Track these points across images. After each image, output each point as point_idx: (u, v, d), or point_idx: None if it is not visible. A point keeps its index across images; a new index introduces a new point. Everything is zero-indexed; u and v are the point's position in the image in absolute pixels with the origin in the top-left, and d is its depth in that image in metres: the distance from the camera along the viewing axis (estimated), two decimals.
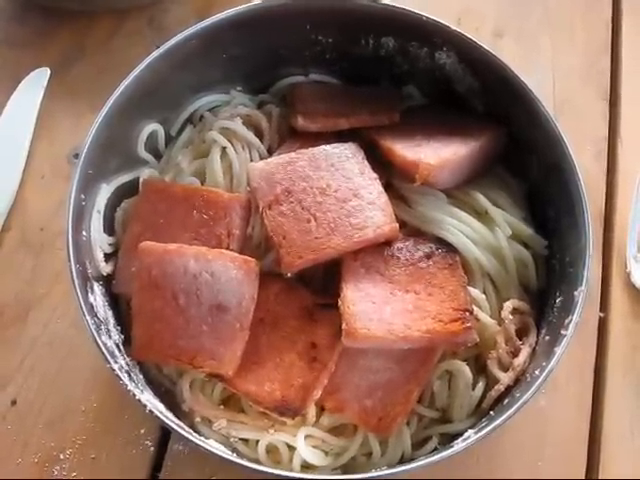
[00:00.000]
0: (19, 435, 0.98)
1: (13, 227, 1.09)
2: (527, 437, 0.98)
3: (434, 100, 1.05)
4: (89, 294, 0.86)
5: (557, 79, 1.20)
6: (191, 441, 0.78)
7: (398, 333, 0.83)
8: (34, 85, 1.17)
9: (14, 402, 0.99)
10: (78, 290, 0.82)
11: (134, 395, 0.79)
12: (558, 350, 0.80)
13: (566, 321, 0.82)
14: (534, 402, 0.97)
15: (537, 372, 0.81)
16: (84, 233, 0.89)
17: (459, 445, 0.78)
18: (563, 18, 1.25)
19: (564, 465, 0.98)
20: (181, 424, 0.82)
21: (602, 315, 1.04)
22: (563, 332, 0.81)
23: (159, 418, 0.78)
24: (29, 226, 1.10)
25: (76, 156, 1.12)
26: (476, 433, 0.79)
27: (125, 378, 0.80)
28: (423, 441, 0.89)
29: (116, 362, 0.81)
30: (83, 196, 0.88)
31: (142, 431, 0.97)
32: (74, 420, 0.99)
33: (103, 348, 0.81)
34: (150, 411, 0.78)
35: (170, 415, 0.83)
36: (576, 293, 0.83)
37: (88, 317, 0.82)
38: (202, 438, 0.83)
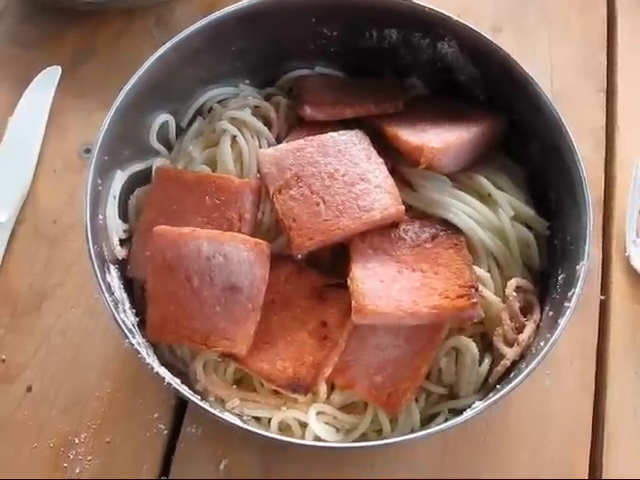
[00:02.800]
0: (35, 421, 1.00)
1: (26, 220, 1.12)
2: (532, 417, 1.00)
3: (437, 90, 1.08)
4: (106, 274, 0.89)
5: (555, 72, 1.23)
6: (208, 412, 0.80)
7: (406, 309, 0.85)
8: (46, 83, 1.19)
9: (29, 389, 1.01)
10: (97, 269, 0.85)
11: (152, 368, 0.81)
12: (562, 321, 0.82)
13: (569, 294, 0.85)
14: (539, 382, 1.00)
15: (542, 344, 0.84)
16: (100, 217, 0.92)
17: (468, 414, 0.80)
18: (560, 13, 1.28)
19: (568, 444, 0.99)
20: (197, 396, 0.84)
21: (603, 298, 1.06)
22: (566, 304, 0.84)
23: (177, 390, 0.80)
24: (42, 219, 1.12)
25: (87, 151, 1.15)
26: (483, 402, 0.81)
27: (144, 352, 0.82)
28: (431, 417, 0.92)
29: (134, 338, 0.84)
30: (100, 181, 0.91)
31: (155, 415, 0.99)
32: (88, 405, 1.00)
33: (122, 324, 0.83)
34: (169, 383, 0.80)
35: (186, 389, 0.85)
36: (578, 267, 0.86)
37: (107, 294, 0.84)
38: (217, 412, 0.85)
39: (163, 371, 0.82)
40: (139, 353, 0.81)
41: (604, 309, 1.06)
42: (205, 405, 0.81)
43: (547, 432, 1.00)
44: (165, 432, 0.99)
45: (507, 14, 1.28)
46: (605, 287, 1.08)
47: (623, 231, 1.11)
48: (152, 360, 0.84)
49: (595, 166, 1.16)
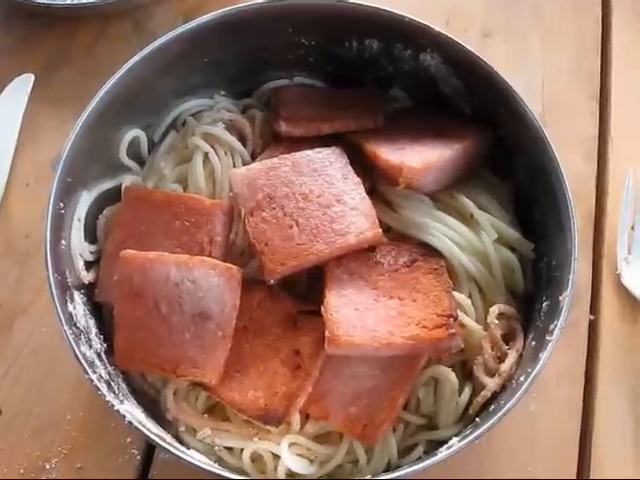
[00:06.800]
0: (4, 445, 0.97)
1: None
2: (517, 441, 0.97)
3: (420, 102, 1.04)
4: (68, 304, 0.85)
5: (547, 79, 1.18)
6: (171, 452, 0.77)
7: (381, 340, 0.82)
8: (18, 91, 1.16)
9: None
10: (56, 300, 0.82)
11: (112, 406, 0.78)
12: (543, 356, 0.79)
13: (551, 326, 0.81)
14: (524, 406, 0.97)
15: (522, 378, 0.80)
16: (63, 242, 0.89)
17: (443, 453, 0.77)
18: (552, 17, 1.23)
19: (554, 469, 0.96)
20: (162, 435, 0.81)
21: (592, 318, 1.02)
22: (548, 338, 0.80)
23: (138, 429, 0.77)
24: (14, 234, 1.09)
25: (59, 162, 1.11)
26: (460, 441, 0.78)
27: (104, 389, 0.79)
28: (410, 448, 0.89)
29: (95, 372, 0.81)
30: (62, 204, 0.88)
31: (128, 440, 0.97)
32: (60, 429, 0.98)
33: (82, 359, 0.80)
34: (129, 422, 0.77)
35: (152, 426, 0.82)
36: (561, 298, 0.82)
37: (66, 327, 0.81)
38: (184, 449, 0.82)
39: (125, 408, 0.79)
40: (99, 390, 0.78)
41: (593, 330, 1.03)
42: (168, 445, 0.78)
43: (533, 456, 0.97)
44: (138, 457, 0.96)
45: (498, 17, 1.23)
46: (595, 306, 1.04)
47: (614, 245, 1.07)
48: (116, 394, 0.82)
49: (586, 178, 1.12)
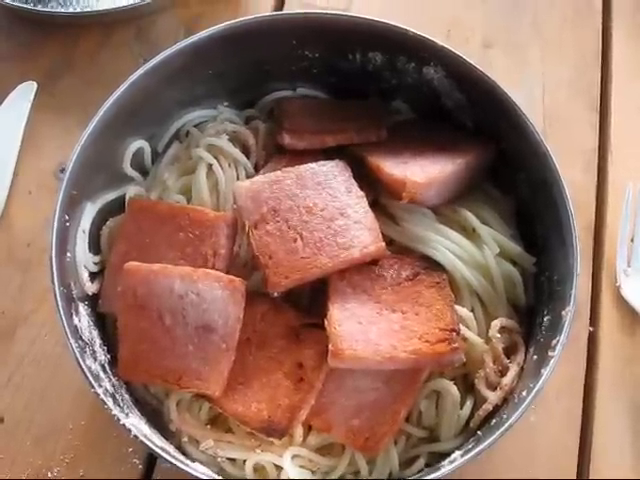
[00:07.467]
0: (7, 453, 0.98)
1: (0, 243, 1.09)
2: (516, 453, 0.98)
3: (423, 115, 1.05)
4: (74, 316, 0.86)
5: (547, 90, 1.19)
6: (175, 465, 0.78)
7: (384, 354, 0.82)
8: (21, 99, 1.16)
9: (1, 420, 0.99)
10: (62, 313, 0.82)
11: (118, 420, 0.78)
12: (545, 372, 0.80)
13: (553, 342, 0.82)
14: (524, 418, 0.97)
15: (524, 393, 0.81)
16: (69, 254, 0.89)
17: (446, 468, 0.78)
18: (553, 29, 1.23)
19: None
20: (165, 447, 0.82)
21: (592, 329, 1.03)
22: (550, 353, 0.81)
23: (143, 443, 0.78)
24: (16, 242, 1.09)
25: (63, 171, 1.11)
26: (462, 455, 0.79)
27: (110, 402, 0.80)
28: (411, 460, 0.89)
29: (100, 385, 0.81)
30: (67, 217, 0.88)
31: (130, 449, 0.97)
32: (62, 438, 0.98)
33: (87, 372, 0.80)
34: (135, 436, 0.78)
35: (155, 438, 0.83)
36: (563, 313, 0.83)
37: (72, 340, 0.81)
38: (188, 461, 0.82)
39: (130, 422, 0.80)
40: (105, 404, 0.78)
41: (593, 341, 1.03)
42: (171, 458, 0.78)
43: (532, 468, 0.97)
44: (140, 467, 0.97)
45: (499, 28, 1.24)
46: (594, 318, 1.04)
47: (614, 257, 1.07)
48: (121, 407, 0.82)
49: (586, 189, 1.12)
